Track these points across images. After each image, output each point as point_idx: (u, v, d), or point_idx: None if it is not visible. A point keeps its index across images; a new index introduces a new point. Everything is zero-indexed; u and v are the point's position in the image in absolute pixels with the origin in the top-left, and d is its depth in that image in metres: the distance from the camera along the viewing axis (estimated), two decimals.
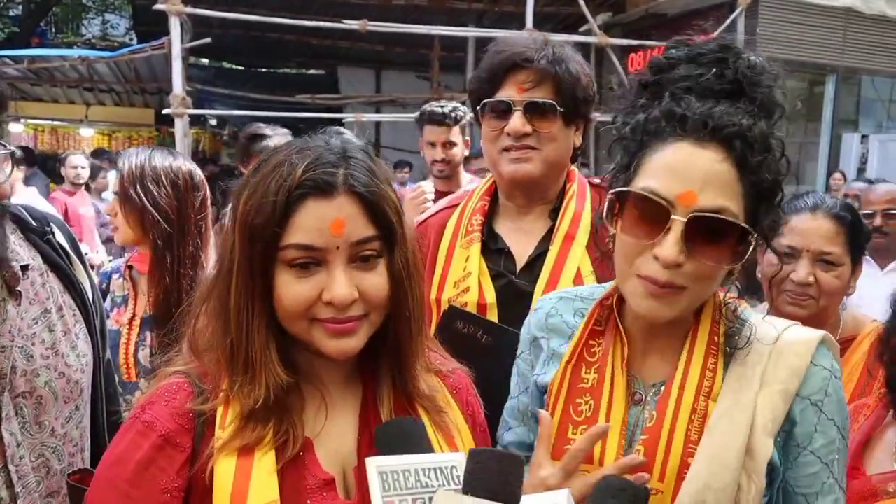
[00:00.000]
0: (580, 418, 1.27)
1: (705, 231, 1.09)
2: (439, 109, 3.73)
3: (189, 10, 7.13)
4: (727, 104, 1.13)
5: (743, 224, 1.11)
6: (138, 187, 2.29)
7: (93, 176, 8.01)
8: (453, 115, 3.71)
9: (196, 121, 11.89)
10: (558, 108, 1.77)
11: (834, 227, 1.93)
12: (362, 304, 1.11)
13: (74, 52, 11.84)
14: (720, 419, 1.16)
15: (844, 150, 10.10)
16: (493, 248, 1.89)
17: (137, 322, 2.40)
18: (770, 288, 2.02)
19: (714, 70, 1.16)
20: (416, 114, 3.95)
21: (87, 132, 13.65)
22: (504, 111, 1.80)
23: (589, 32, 9.06)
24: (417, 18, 8.69)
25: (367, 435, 1.17)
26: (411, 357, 1.22)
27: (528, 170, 1.79)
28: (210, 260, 2.32)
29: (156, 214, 2.26)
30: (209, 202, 2.44)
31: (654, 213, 1.11)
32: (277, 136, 3.77)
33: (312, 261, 1.08)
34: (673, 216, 1.09)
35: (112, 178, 9.31)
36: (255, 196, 1.08)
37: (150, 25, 10.50)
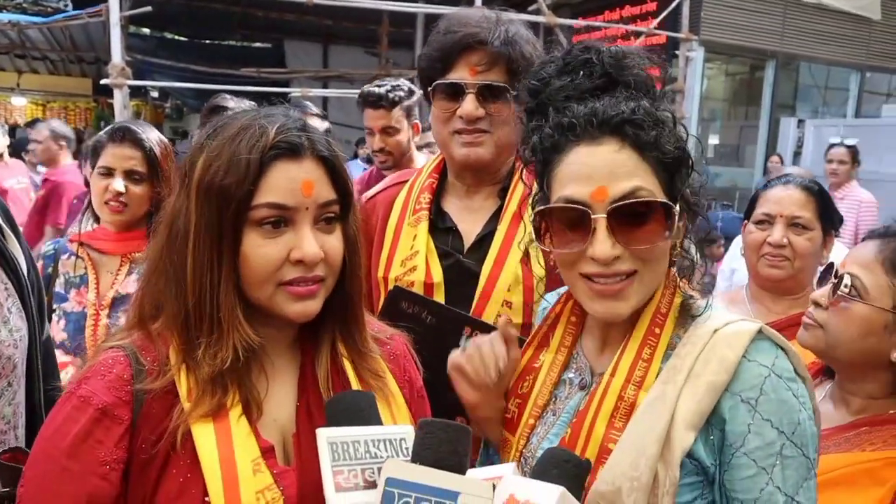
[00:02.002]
0: (521, 391, 1.35)
1: (627, 217, 1.13)
2: (375, 90, 3.24)
3: None
4: (606, 98, 1.18)
5: (659, 199, 1.15)
6: (168, 163, 2.32)
7: (25, 148, 7.70)
8: (391, 96, 3.23)
9: (137, 92, 11.53)
10: (511, 90, 1.71)
11: (804, 195, 2.16)
12: (324, 266, 1.15)
13: (4, 17, 11.29)
14: (645, 409, 1.17)
15: (782, 134, 10.44)
16: (441, 227, 1.88)
17: (107, 302, 2.33)
18: (750, 254, 2.24)
19: (582, 72, 1.22)
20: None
21: (19, 101, 13.15)
22: (456, 93, 1.77)
23: (538, 12, 9.09)
24: None
25: (305, 402, 1.21)
26: (362, 317, 1.28)
27: (480, 154, 1.78)
28: None
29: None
30: None
31: (576, 220, 1.15)
32: (241, 109, 3.57)
33: (282, 220, 1.11)
34: (593, 216, 1.13)
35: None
36: (222, 157, 1.10)
37: None
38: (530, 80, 1.28)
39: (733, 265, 3.85)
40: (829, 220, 2.19)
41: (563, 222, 1.18)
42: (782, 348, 1.16)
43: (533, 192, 1.31)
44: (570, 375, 1.32)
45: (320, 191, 1.14)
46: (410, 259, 1.84)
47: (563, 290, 1.43)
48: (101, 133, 2.50)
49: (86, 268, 2.39)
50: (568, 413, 1.28)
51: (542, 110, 1.25)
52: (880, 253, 1.56)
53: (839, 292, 1.56)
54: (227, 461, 1.08)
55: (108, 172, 2.33)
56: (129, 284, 2.35)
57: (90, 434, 1.08)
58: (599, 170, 1.14)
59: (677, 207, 1.16)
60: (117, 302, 2.34)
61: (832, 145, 5.67)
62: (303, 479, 1.13)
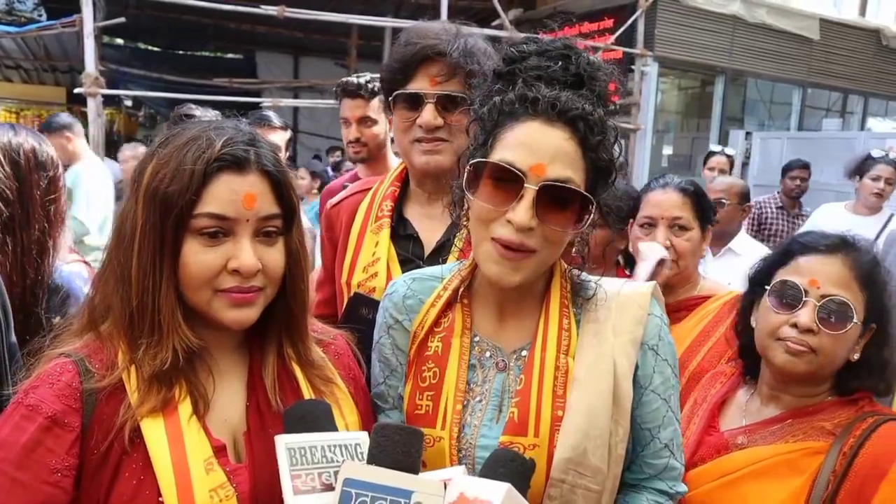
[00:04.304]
0: (425, 384, 1.36)
1: (553, 199, 1.20)
2: (354, 80, 3.24)
3: None
4: (571, 92, 1.26)
5: (585, 192, 1.23)
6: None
7: None
8: (370, 86, 3.18)
9: (110, 101, 11.62)
10: (469, 100, 1.67)
11: (681, 197, 2.25)
12: (262, 277, 1.17)
13: None
14: (588, 373, 1.26)
15: (731, 145, 10.89)
16: (402, 234, 1.90)
17: None
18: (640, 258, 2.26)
19: (560, 63, 1.28)
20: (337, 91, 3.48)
21: None
22: (416, 103, 1.80)
23: (500, 27, 9.36)
24: (336, 6, 8.80)
25: (255, 402, 1.23)
26: (305, 329, 1.30)
27: (439, 161, 1.81)
28: (61, 245, 2.08)
29: None
30: (61, 182, 2.13)
31: (508, 182, 1.21)
32: (207, 118, 3.12)
33: (221, 231, 1.13)
34: (526, 185, 1.19)
35: None
36: (169, 165, 1.12)
37: (60, 2, 10.21)
38: (509, 48, 1.33)
39: None
40: (706, 217, 2.29)
41: (495, 180, 1.23)
42: (659, 300, 1.38)
43: (473, 143, 1.33)
44: (478, 359, 1.37)
45: (262, 204, 1.15)
46: (372, 265, 1.87)
47: (414, 275, 1.48)
48: None
49: None
50: (496, 396, 1.32)
51: (511, 79, 1.30)
52: (852, 270, 1.55)
53: (852, 322, 1.52)
54: (179, 462, 1.09)
55: None
56: None
57: (40, 443, 1.07)
58: (545, 148, 1.20)
59: (593, 206, 1.25)
60: None
61: (712, 153, 5.62)
62: (256, 476, 1.16)
